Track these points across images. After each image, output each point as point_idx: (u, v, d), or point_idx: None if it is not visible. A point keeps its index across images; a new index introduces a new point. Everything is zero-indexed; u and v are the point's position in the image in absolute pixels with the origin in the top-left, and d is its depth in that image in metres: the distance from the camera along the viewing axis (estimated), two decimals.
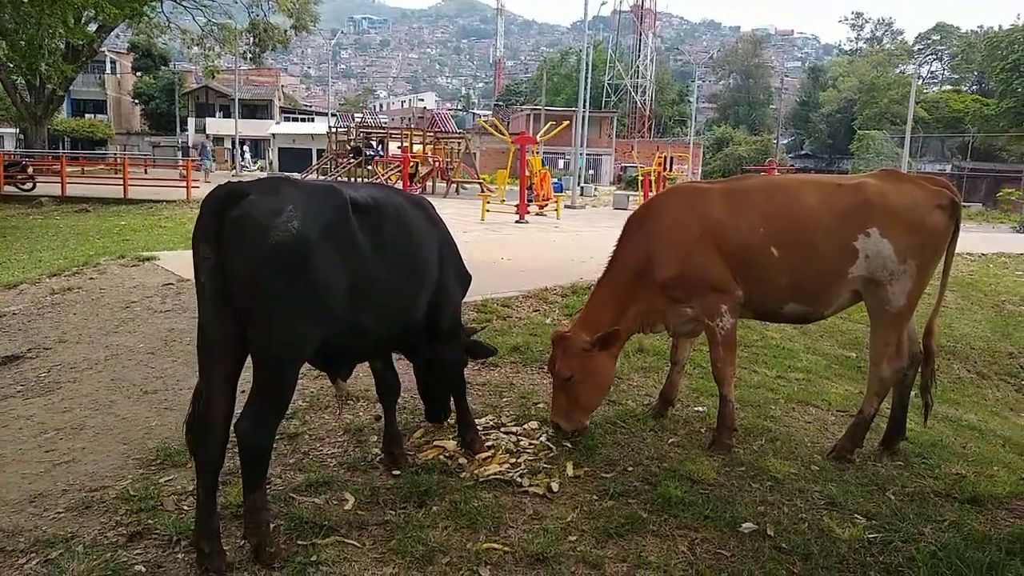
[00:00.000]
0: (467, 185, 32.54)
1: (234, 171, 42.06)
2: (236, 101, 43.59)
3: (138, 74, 63.13)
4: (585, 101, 35.47)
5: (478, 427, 4.60)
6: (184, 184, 24.77)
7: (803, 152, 73.66)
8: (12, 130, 46.19)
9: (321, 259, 3.11)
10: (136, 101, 63.83)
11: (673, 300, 4.48)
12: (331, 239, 3.18)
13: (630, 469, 4.24)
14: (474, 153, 35.16)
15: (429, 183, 30.57)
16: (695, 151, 57.13)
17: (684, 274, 4.37)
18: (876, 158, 50.78)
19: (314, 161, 44.99)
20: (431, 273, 3.91)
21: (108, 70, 61.98)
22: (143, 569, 3.19)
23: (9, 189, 23.46)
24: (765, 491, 4.07)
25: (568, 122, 29.18)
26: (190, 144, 57.96)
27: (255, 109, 62.06)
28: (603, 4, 44.01)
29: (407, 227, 3.76)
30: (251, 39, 40.19)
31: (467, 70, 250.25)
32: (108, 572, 3.12)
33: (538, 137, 25.44)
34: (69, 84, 33.45)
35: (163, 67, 62.26)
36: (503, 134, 26.72)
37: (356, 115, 47.63)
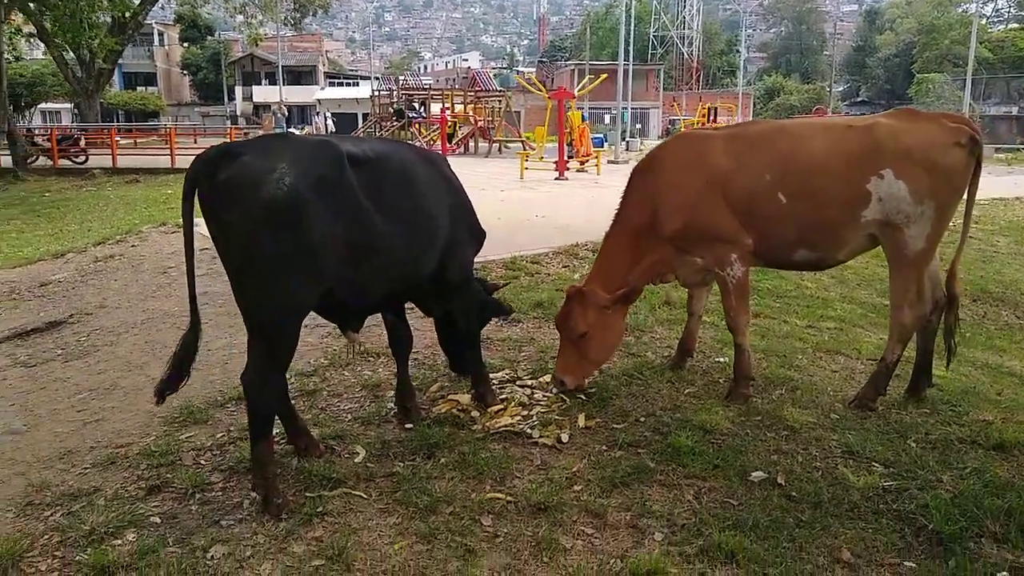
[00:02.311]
0: (510, 144, 32.31)
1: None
2: (279, 68, 43.80)
3: (185, 45, 63.88)
4: (629, 54, 34.71)
5: (494, 381, 4.62)
6: None
7: (859, 99, 71.01)
8: (68, 105, 47.30)
9: (316, 214, 3.13)
10: (185, 72, 64.78)
11: (682, 251, 4.40)
12: (326, 194, 3.19)
13: (642, 420, 4.22)
14: (517, 111, 34.80)
15: (471, 143, 30.41)
16: (744, 101, 55.60)
17: (690, 225, 4.27)
18: (936, 102, 48.71)
19: (360, 125, 45.13)
20: (439, 227, 3.89)
21: (156, 42, 62.85)
22: (159, 520, 3.31)
23: (63, 162, 24.14)
24: (780, 440, 4.01)
25: (607, 75, 28.61)
26: (238, 112, 58.80)
27: (300, 75, 62.42)
28: None
29: (412, 181, 3.74)
30: (291, 4, 40.13)
31: (511, 28, 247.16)
32: (125, 523, 3.25)
33: (576, 91, 25.04)
34: (117, 58, 33.93)
35: (209, 37, 62.83)
36: (540, 90, 26.37)
37: (399, 77, 47.42)
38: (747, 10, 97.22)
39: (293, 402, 4.57)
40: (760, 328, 6.10)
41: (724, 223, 4.23)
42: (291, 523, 3.24)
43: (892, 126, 4.15)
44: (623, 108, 33.19)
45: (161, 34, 63.40)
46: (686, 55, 67.59)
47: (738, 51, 68.03)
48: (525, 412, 4.32)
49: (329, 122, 42.96)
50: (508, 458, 3.79)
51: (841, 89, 76.87)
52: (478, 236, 4.30)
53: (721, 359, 5.26)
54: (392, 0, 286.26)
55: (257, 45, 45.67)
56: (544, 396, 4.55)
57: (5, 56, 27.20)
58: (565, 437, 4.01)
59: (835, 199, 4.13)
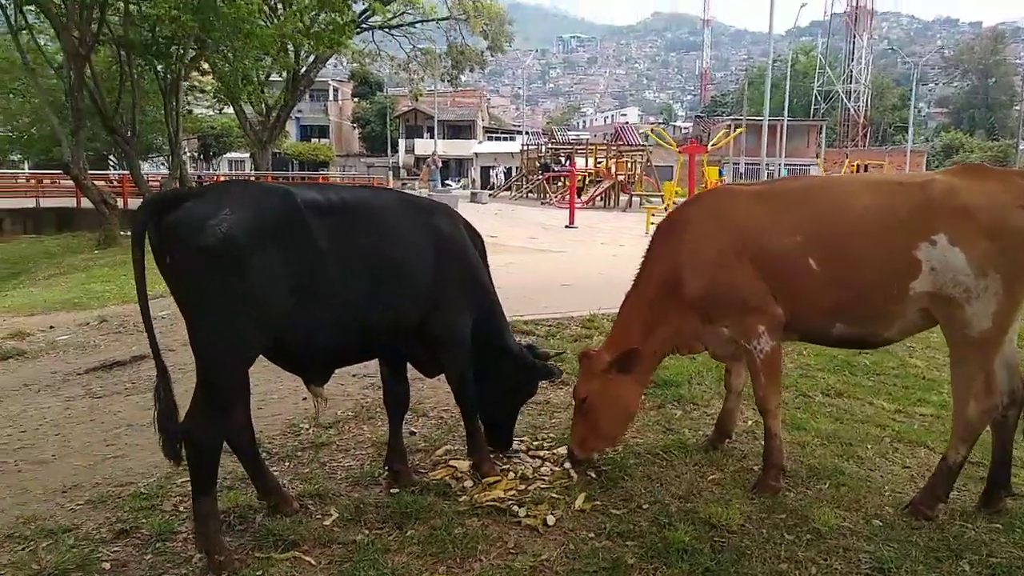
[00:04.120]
0: (653, 198, 31.86)
1: (433, 184, 44.30)
2: (436, 122, 45.81)
3: (356, 100, 68.40)
4: (785, 109, 33.53)
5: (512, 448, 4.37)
6: None
7: None
8: (245, 155, 51.64)
9: (257, 261, 3.06)
10: (355, 125, 69.24)
11: (707, 320, 3.96)
12: (272, 241, 3.11)
13: (645, 507, 3.78)
14: (661, 166, 34.30)
15: (611, 195, 30.23)
16: (915, 159, 52.07)
17: (714, 290, 3.83)
18: None
19: (511, 177, 46.21)
20: (415, 279, 3.71)
21: (331, 97, 67.74)
22: (107, 566, 3.28)
23: None
24: (799, 545, 3.44)
25: (742, 129, 27.62)
26: (400, 164, 61.94)
27: (459, 129, 65.09)
28: (803, 6, 41.14)
29: (385, 231, 3.59)
30: (449, 62, 41.98)
31: (675, 83, 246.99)
32: (74, 566, 3.24)
33: (709, 146, 24.34)
34: (288, 111, 36.84)
35: (378, 92, 66.94)
36: (669, 144, 25.88)
37: (549, 132, 48.34)
38: (927, 63, 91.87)
39: (301, 454, 4.55)
40: (837, 410, 5.44)
41: (749, 289, 3.77)
42: None
43: (950, 184, 3.57)
44: (779, 164, 32.03)
45: (336, 90, 68.32)
46: (852, 110, 64.45)
47: (912, 106, 64.13)
48: (523, 486, 4.00)
49: (500, 173, 44.80)
50: (480, 537, 3.48)
51: None
52: (478, 291, 4.07)
53: None
54: (558, 58, 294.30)
55: (418, 100, 48.23)
56: (552, 470, 4.20)
57: (191, 110, 30.23)
58: (552, 519, 3.65)
59: (877, 267, 3.58)
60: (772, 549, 3.39)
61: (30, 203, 27.52)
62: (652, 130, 36.94)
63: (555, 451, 4.43)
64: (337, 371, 5.93)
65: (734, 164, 48.63)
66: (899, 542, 3.49)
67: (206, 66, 22.43)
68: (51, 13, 17.34)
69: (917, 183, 3.65)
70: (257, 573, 3.17)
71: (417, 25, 38.74)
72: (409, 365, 4.17)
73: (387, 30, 38.29)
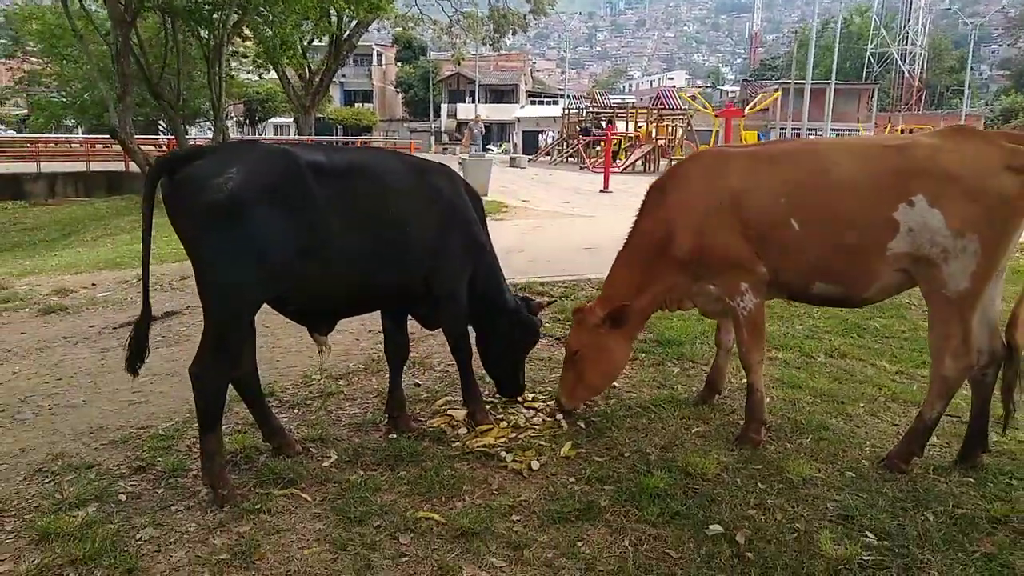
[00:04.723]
0: None
1: (474, 149, 44.41)
2: (477, 86, 45.69)
3: (399, 64, 68.42)
4: (833, 72, 32.71)
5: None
6: None
7: None
8: (289, 120, 52.24)
9: (260, 218, 3.28)
10: (398, 90, 69.31)
11: (695, 276, 4.08)
12: (275, 199, 3.33)
13: (626, 455, 3.96)
14: (694, 129, 33.78)
15: (647, 160, 29.97)
16: (970, 123, 50.36)
17: (700, 248, 3.95)
18: None
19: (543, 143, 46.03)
20: (420, 236, 3.90)
21: (375, 62, 67.85)
22: (123, 498, 3.58)
23: None
24: (768, 494, 3.58)
25: (779, 92, 27.04)
26: (442, 128, 62.01)
27: (502, 94, 64.77)
28: None
29: (386, 191, 3.79)
30: (491, 25, 41.73)
31: (725, 46, 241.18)
32: (92, 496, 3.55)
33: (746, 110, 23.96)
34: (331, 76, 37.14)
35: (421, 57, 66.84)
36: (705, 108, 25.53)
37: (590, 95, 47.86)
38: (989, 23, 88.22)
39: (310, 402, 4.81)
40: (837, 370, 5.51)
41: (735, 248, 3.87)
42: (227, 515, 3.38)
43: (932, 145, 3.61)
44: (826, 129, 31.33)
45: (380, 54, 68.35)
46: (907, 73, 62.37)
47: (971, 67, 61.77)
48: (514, 435, 4.21)
49: (550, 137, 44.74)
50: (467, 479, 3.71)
51: None
52: (475, 249, 4.24)
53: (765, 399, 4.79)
54: (606, 20, 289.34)
55: (460, 64, 48.19)
56: (544, 420, 4.40)
57: (234, 75, 30.65)
58: (536, 464, 3.85)
59: (855, 227, 3.65)
60: (742, 496, 3.54)
61: (81, 167, 28.39)
62: (686, 93, 36.34)
63: (549, 403, 4.62)
64: (351, 327, 6.23)
65: (780, 128, 47.66)
66: (868, 492, 3.61)
67: (248, 31, 22.72)
68: None
69: (899, 145, 3.70)
70: (256, 506, 3.43)
71: None
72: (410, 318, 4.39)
73: None
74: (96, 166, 28.94)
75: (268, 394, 4.86)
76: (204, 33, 21.28)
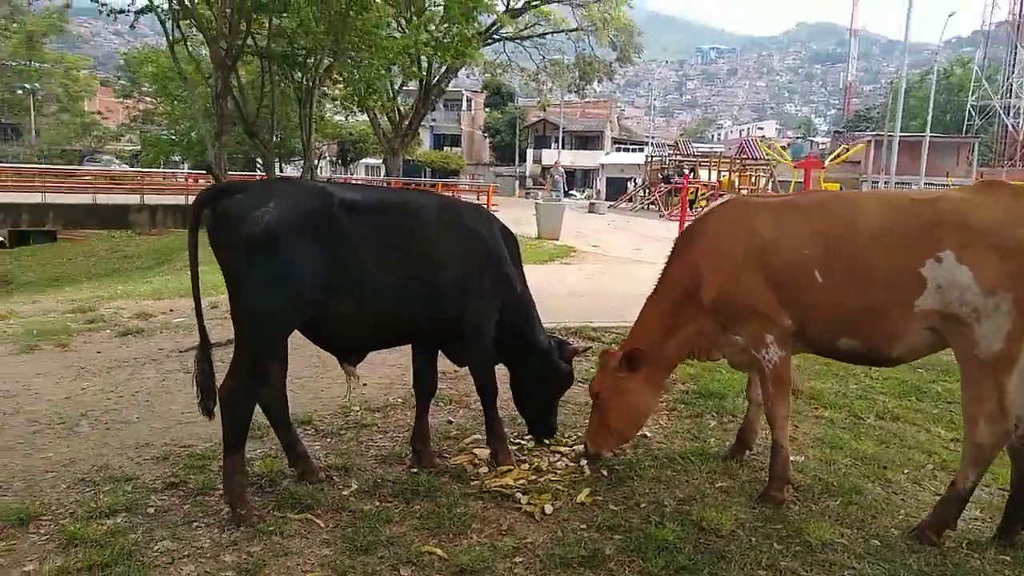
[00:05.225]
0: None
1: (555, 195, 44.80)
2: (562, 132, 46.23)
3: (487, 110, 69.98)
4: (928, 124, 31.73)
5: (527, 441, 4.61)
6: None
7: None
8: (379, 161, 54.02)
9: (293, 250, 3.47)
10: (486, 135, 70.82)
11: (722, 325, 4.04)
12: (308, 234, 3.52)
13: (642, 506, 3.90)
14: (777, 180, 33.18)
15: None
16: None
17: (725, 295, 3.91)
18: None
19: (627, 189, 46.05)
20: (446, 275, 4.02)
21: (464, 107, 69.66)
22: (152, 511, 3.76)
23: None
24: (784, 555, 3.46)
25: (862, 144, 26.36)
26: (527, 173, 62.85)
27: (587, 140, 65.36)
28: (951, 15, 38.63)
29: (416, 229, 3.93)
30: (577, 73, 42.38)
31: (819, 96, 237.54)
32: (122, 507, 3.74)
33: (827, 161, 23.43)
34: (419, 119, 38.34)
35: (509, 103, 68.23)
36: (783, 159, 25.09)
37: (675, 144, 47.76)
38: None
39: (344, 432, 4.95)
40: (886, 433, 5.28)
41: (759, 297, 3.82)
42: (242, 534, 3.50)
43: (961, 200, 3.50)
44: (920, 183, 30.31)
45: (469, 100, 70.18)
46: (1010, 127, 59.79)
47: None
48: (534, 477, 4.22)
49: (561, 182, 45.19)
50: (478, 517, 3.74)
51: None
52: (505, 286, 4.31)
53: (797, 458, 4.65)
54: (696, 68, 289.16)
55: (546, 110, 48.96)
56: (567, 465, 4.40)
57: (327, 116, 32.09)
58: (550, 508, 3.85)
59: (881, 282, 3.56)
60: (754, 556, 3.44)
61: (181, 200, 30.03)
62: (767, 144, 35.82)
63: (575, 448, 4.61)
64: (400, 361, 6.36)
65: (872, 182, 46.33)
66: (891, 562, 3.44)
67: (338, 76, 23.80)
68: (203, 26, 18.99)
69: (928, 199, 3.60)
70: (271, 528, 3.55)
71: (547, 36, 39.44)
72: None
73: (518, 41, 39.18)
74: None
75: (306, 422, 5.04)
76: (298, 76, 22.39)
